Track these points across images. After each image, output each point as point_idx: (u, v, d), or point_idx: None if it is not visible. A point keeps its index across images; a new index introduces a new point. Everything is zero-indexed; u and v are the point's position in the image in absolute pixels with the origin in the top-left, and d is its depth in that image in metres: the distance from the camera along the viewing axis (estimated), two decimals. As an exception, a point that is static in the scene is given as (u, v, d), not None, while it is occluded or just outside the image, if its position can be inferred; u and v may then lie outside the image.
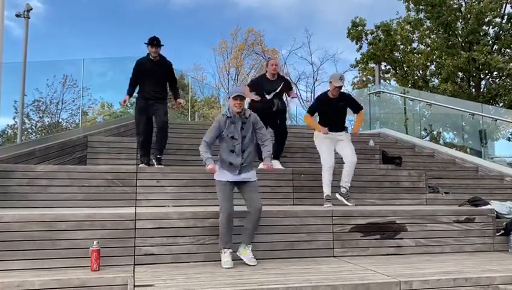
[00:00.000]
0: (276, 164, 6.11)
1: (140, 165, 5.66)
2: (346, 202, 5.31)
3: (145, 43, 5.78)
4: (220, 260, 3.97)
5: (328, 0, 43.59)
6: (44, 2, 40.37)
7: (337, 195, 5.40)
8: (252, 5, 43.24)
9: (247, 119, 4.20)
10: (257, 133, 4.30)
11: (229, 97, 4.19)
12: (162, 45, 5.80)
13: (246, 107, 5.63)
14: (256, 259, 4.04)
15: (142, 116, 5.83)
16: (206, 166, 4.09)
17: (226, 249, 3.97)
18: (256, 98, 6.08)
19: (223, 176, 4.15)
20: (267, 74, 6.33)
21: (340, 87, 5.38)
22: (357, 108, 5.64)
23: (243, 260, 4.04)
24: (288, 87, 6.46)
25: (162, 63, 5.88)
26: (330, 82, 5.42)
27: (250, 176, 4.22)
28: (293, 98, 6.75)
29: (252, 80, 6.79)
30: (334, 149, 5.47)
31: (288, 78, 6.68)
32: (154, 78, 5.80)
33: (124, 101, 5.86)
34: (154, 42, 5.69)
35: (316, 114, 5.64)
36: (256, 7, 43.37)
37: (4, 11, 5.36)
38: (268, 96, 6.14)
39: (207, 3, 42.51)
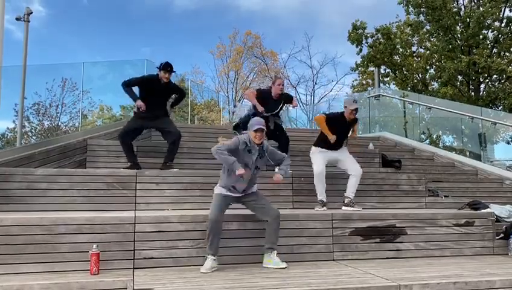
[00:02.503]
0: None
1: (127, 166, 5.62)
2: (354, 209, 5.32)
3: (157, 68, 5.88)
4: (220, 264, 3.96)
5: (329, 3, 43.72)
6: (46, 6, 40.50)
7: (343, 207, 5.41)
8: (253, 8, 43.39)
9: (264, 152, 4.18)
10: (276, 160, 4.32)
11: (249, 129, 4.14)
12: (174, 71, 5.93)
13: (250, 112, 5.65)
14: (256, 263, 4.03)
15: (132, 128, 5.84)
16: (237, 171, 3.93)
17: (210, 256, 3.92)
18: (261, 109, 6.07)
19: (222, 191, 4.14)
20: (272, 92, 6.27)
21: (356, 109, 5.53)
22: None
23: (269, 268, 3.99)
24: (289, 100, 6.45)
25: (170, 86, 6.02)
26: (345, 106, 5.57)
27: (251, 189, 4.22)
28: (294, 107, 6.70)
29: (261, 91, 6.63)
30: (327, 161, 5.56)
31: (287, 92, 6.60)
32: (160, 99, 5.89)
33: (141, 106, 5.71)
34: (168, 68, 5.79)
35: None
36: (258, 10, 43.52)
37: (4, 14, 5.38)
38: (266, 114, 6.07)
39: (208, 7, 42.64)
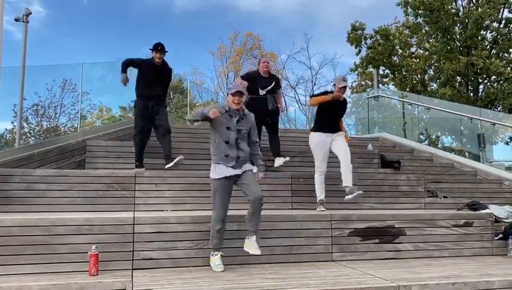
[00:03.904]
0: (280, 160, 6.27)
1: (136, 170, 5.64)
2: (355, 194, 5.16)
3: (150, 49, 5.90)
4: (217, 264, 3.96)
5: (329, 4, 43.75)
6: (46, 7, 40.46)
7: (346, 197, 5.23)
8: (253, 9, 43.39)
9: (245, 116, 4.17)
10: (250, 135, 4.22)
11: (227, 93, 4.18)
12: (167, 51, 5.92)
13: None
14: (255, 263, 4.02)
15: (141, 116, 5.82)
16: (210, 112, 3.93)
17: (217, 252, 3.95)
18: (244, 85, 6.16)
19: (218, 171, 4.03)
20: (260, 72, 6.43)
21: (345, 88, 5.46)
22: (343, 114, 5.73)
23: (248, 253, 4.01)
24: (278, 85, 6.50)
25: (165, 68, 6.00)
26: (334, 85, 5.53)
27: (246, 168, 4.12)
28: (280, 96, 6.67)
29: (247, 73, 6.92)
30: (328, 154, 5.46)
31: (279, 76, 6.81)
32: (156, 81, 5.88)
33: (125, 80, 5.79)
34: (158, 48, 5.82)
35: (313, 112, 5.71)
36: (258, 11, 43.52)
37: (3, 15, 5.37)
38: (262, 92, 6.22)
39: (208, 8, 42.61)
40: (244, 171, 4.09)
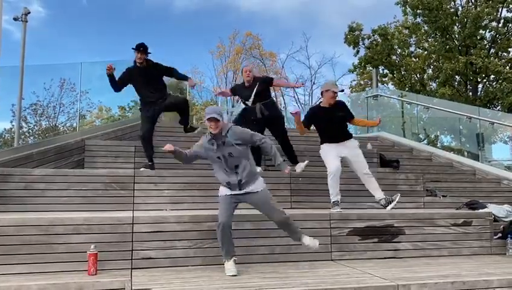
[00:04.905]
0: (300, 166, 5.98)
1: (141, 169, 5.62)
2: (394, 204, 5.02)
3: (132, 48, 5.77)
4: (218, 264, 3.96)
5: (329, 4, 43.75)
6: (45, 7, 40.40)
7: (388, 208, 5.06)
8: (253, 8, 43.36)
9: (226, 138, 3.94)
10: (252, 141, 4.03)
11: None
12: (149, 53, 5.80)
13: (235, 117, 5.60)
14: (254, 263, 4.01)
15: (147, 122, 5.83)
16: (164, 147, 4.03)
17: (228, 260, 3.85)
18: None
19: (224, 191, 4.03)
20: (244, 81, 6.21)
21: (336, 93, 5.25)
22: (350, 116, 5.49)
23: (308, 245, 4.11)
24: (266, 83, 6.24)
25: (149, 66, 5.84)
26: (327, 90, 5.26)
27: (253, 187, 3.98)
28: (281, 82, 6.56)
29: (232, 87, 6.88)
30: (340, 156, 5.25)
31: (265, 75, 6.54)
32: (145, 81, 5.78)
33: (109, 68, 5.67)
34: (140, 48, 5.71)
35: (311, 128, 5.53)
36: (258, 11, 43.51)
37: (2, 15, 5.36)
38: (249, 103, 6.04)
39: (208, 8, 42.57)
40: (253, 193, 3.97)
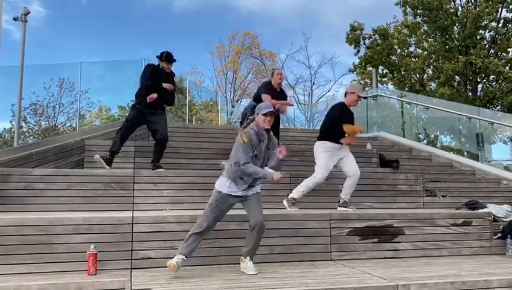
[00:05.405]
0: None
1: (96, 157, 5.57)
2: (349, 210, 5.18)
3: (158, 57, 5.83)
4: (218, 264, 3.96)
5: (329, 4, 43.76)
6: (45, 7, 40.39)
7: (338, 208, 5.27)
8: (253, 9, 43.37)
9: (271, 138, 3.94)
10: (271, 153, 4.01)
11: (257, 113, 3.85)
12: (175, 60, 5.89)
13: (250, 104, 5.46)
14: (254, 263, 4.01)
15: (133, 123, 5.83)
16: (272, 179, 3.79)
17: (180, 255, 3.72)
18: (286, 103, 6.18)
19: (227, 187, 3.83)
20: (273, 83, 6.24)
21: (360, 98, 5.43)
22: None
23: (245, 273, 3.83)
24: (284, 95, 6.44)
25: (171, 75, 5.97)
26: (352, 92, 5.37)
27: (255, 190, 3.94)
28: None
29: (265, 88, 6.34)
30: (332, 165, 5.34)
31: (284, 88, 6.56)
32: (164, 89, 5.81)
33: (152, 98, 5.68)
34: (170, 59, 5.79)
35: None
36: (258, 11, 43.51)
37: (2, 15, 5.35)
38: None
39: (208, 8, 42.56)
40: (253, 194, 3.93)
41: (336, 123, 5.31)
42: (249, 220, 3.91)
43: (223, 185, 3.85)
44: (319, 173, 5.29)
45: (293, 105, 6.58)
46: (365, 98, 5.35)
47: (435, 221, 4.95)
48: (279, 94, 6.23)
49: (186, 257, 3.73)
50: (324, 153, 5.32)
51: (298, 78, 31.79)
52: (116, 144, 5.74)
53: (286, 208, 5.22)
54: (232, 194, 3.84)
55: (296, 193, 5.31)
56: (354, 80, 24.58)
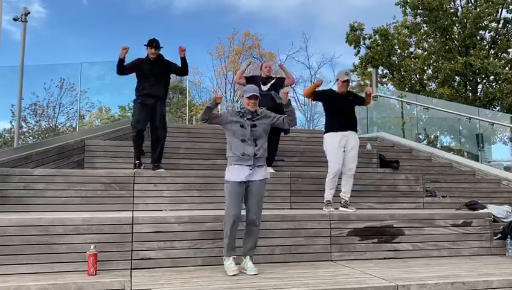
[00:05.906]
0: (269, 169, 5.97)
1: (135, 170, 5.60)
2: (348, 211, 5.17)
3: (145, 45, 5.82)
4: (218, 264, 3.95)
5: (328, 4, 43.76)
6: (46, 7, 40.37)
7: (340, 208, 5.27)
8: (253, 9, 43.36)
9: (259, 114, 4.04)
10: (275, 122, 4.10)
11: (243, 96, 4.08)
12: (161, 47, 5.82)
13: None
14: (255, 263, 4.01)
15: (141, 112, 5.72)
16: (215, 97, 4.03)
17: (229, 257, 3.84)
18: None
19: (234, 174, 3.88)
20: (262, 75, 6.41)
21: (348, 81, 5.42)
22: (363, 99, 5.65)
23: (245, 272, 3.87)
24: (282, 79, 6.47)
25: (161, 63, 5.86)
26: (337, 79, 5.48)
27: (261, 176, 3.97)
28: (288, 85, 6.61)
29: (251, 80, 6.56)
30: (343, 155, 5.32)
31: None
32: (153, 77, 5.74)
33: (125, 48, 5.62)
34: (153, 44, 5.74)
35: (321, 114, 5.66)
36: (257, 11, 43.48)
37: (2, 15, 5.35)
38: (264, 88, 6.08)
39: (208, 8, 42.53)
40: (259, 180, 3.95)
41: (326, 108, 5.49)
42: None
43: (227, 174, 3.96)
44: (331, 166, 5.32)
45: (291, 84, 6.54)
46: (351, 81, 5.37)
47: (435, 221, 4.95)
48: (267, 80, 6.29)
49: (232, 253, 3.85)
50: (329, 145, 5.37)
51: (298, 79, 31.80)
52: (136, 152, 5.80)
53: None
54: (237, 180, 3.87)
55: (326, 194, 5.33)
56: (354, 81, 24.59)
